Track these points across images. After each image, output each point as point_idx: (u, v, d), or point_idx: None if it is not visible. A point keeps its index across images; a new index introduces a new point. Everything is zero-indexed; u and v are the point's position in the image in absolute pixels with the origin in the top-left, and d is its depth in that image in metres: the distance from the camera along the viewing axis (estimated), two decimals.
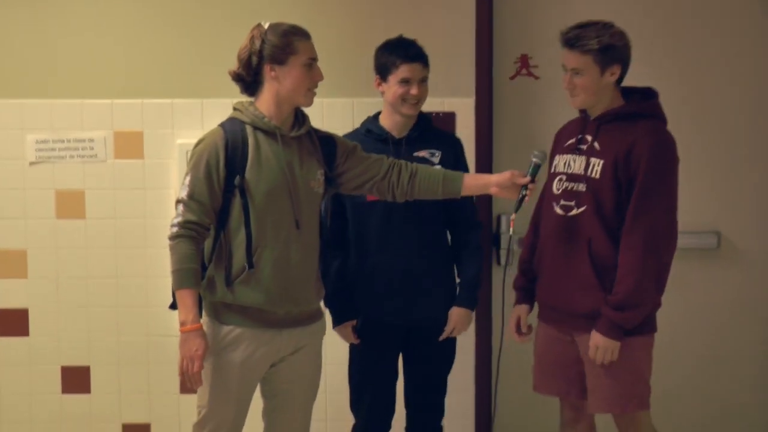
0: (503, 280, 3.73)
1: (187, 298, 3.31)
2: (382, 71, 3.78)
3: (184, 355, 3.32)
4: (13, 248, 4.42)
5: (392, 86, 3.75)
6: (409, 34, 4.06)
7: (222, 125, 3.41)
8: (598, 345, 3.45)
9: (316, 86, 3.43)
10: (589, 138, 3.55)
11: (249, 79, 3.40)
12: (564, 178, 3.60)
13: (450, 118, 4.36)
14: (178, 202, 3.35)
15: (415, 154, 3.82)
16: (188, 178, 3.35)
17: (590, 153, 3.52)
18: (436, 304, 3.89)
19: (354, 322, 3.90)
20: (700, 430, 4.62)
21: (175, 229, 3.32)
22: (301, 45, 3.38)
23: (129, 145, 4.36)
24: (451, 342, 3.96)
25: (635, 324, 3.45)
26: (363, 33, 4.29)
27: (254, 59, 3.37)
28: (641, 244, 3.39)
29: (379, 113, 3.90)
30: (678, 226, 3.48)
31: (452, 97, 4.37)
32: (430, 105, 4.31)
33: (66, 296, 4.44)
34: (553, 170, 3.68)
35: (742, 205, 4.53)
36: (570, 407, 3.76)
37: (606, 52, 3.45)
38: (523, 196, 3.55)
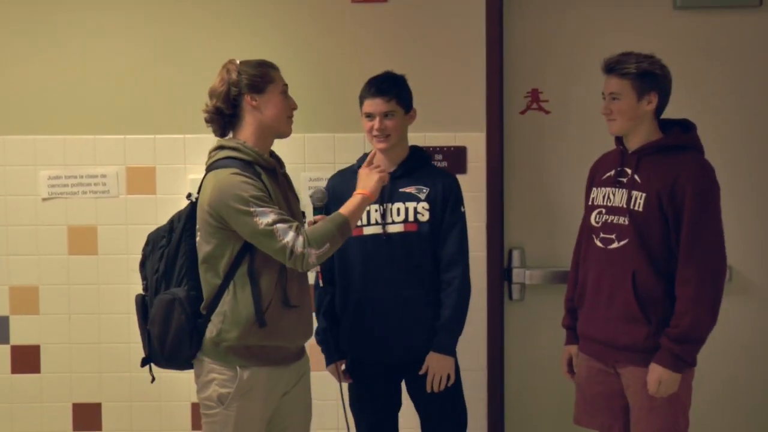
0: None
1: (360, 202, 3.40)
2: (360, 106, 3.82)
3: (375, 184, 3.44)
4: (25, 284, 4.42)
5: (363, 121, 3.79)
6: (419, 69, 4.10)
7: (230, 168, 3.27)
8: (661, 379, 3.44)
9: (292, 114, 3.47)
10: (628, 171, 3.56)
11: (228, 112, 3.37)
12: (603, 211, 3.61)
13: (461, 152, 4.37)
14: (271, 225, 3.19)
15: (402, 189, 3.80)
16: (258, 209, 3.20)
17: (631, 186, 3.53)
18: (420, 343, 3.79)
19: (343, 362, 3.88)
20: None
21: (299, 240, 3.19)
22: (275, 74, 3.43)
23: (141, 180, 4.38)
24: (451, 391, 3.83)
25: (694, 356, 3.48)
26: (374, 70, 4.31)
27: (233, 90, 3.35)
28: (697, 277, 3.41)
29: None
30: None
31: (463, 132, 4.37)
32: (442, 139, 4.36)
33: (78, 333, 4.43)
34: (591, 203, 3.69)
35: (753, 238, 4.51)
36: None
37: (644, 78, 3.52)
38: None
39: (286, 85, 3.44)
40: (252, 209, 3.21)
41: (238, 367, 3.32)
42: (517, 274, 4.49)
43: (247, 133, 3.39)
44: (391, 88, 3.77)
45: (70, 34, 4.38)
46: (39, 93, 4.39)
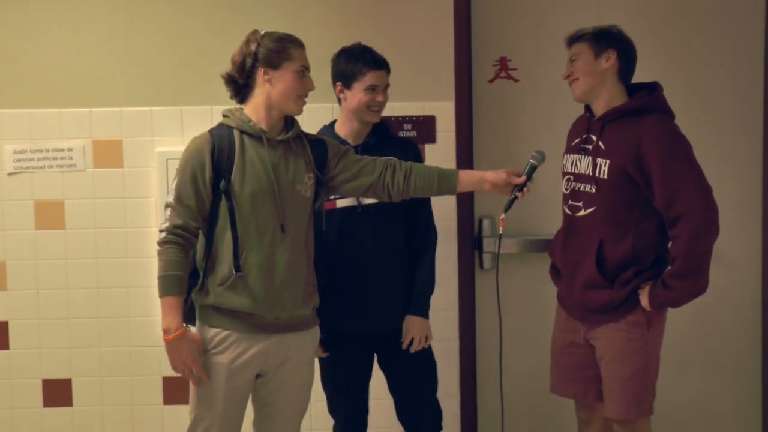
0: (496, 282, 3.72)
1: (171, 305, 3.33)
2: (346, 78, 3.72)
3: (177, 364, 3.34)
4: None
5: (357, 93, 3.71)
6: (388, 39, 4.08)
7: (210, 130, 3.43)
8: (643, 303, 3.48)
9: (306, 95, 3.45)
10: (593, 137, 3.56)
11: (241, 82, 3.42)
12: (571, 178, 3.63)
13: (430, 121, 4.36)
14: (166, 206, 3.38)
15: None
16: (175, 183, 3.38)
17: (596, 153, 3.53)
18: (397, 312, 3.82)
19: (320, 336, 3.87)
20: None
21: (163, 235, 3.35)
22: (296, 52, 3.40)
23: (108, 153, 4.33)
24: (425, 352, 3.86)
25: (677, 302, 3.47)
26: (341, 38, 4.28)
27: (248, 61, 3.38)
28: (684, 232, 3.38)
29: (334, 121, 3.86)
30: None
31: (432, 101, 4.36)
32: (410, 109, 4.34)
33: (46, 308, 4.39)
34: (562, 169, 3.71)
35: (724, 205, 4.51)
36: (585, 408, 3.78)
37: (600, 37, 3.57)
38: (515, 198, 3.53)
39: (305, 66, 3.42)
40: (175, 180, 3.39)
41: (206, 326, 3.41)
42: (487, 243, 4.49)
43: (254, 104, 3.42)
44: (387, 61, 3.75)
45: (33, 6, 4.32)
46: (2, 66, 4.34)
